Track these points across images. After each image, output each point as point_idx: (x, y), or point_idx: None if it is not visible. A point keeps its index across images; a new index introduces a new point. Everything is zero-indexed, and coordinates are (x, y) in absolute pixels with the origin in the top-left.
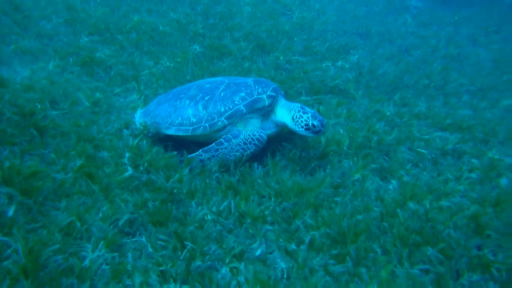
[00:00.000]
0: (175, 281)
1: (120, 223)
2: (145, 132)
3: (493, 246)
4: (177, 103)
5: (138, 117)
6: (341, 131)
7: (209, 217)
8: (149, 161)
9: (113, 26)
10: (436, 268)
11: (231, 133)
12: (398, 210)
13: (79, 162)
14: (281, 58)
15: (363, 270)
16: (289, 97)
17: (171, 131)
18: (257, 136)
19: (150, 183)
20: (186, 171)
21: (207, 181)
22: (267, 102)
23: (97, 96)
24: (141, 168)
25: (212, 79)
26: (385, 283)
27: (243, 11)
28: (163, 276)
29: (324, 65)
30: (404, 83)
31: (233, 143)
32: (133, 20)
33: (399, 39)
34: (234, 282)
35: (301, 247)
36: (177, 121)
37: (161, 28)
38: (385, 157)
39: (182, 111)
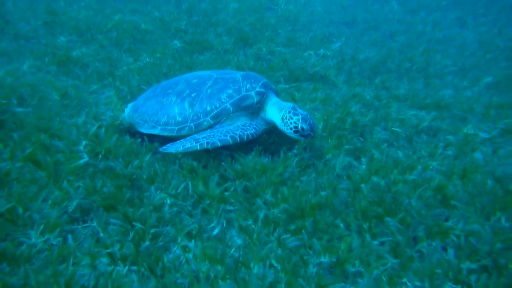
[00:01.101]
0: (124, 262)
1: (70, 209)
2: (117, 124)
3: (458, 215)
4: (164, 99)
5: (128, 112)
6: (317, 114)
7: (168, 200)
8: (108, 149)
9: (94, 26)
10: (395, 238)
11: (225, 123)
12: (363, 185)
13: (28, 151)
14: (264, 49)
15: (315, 241)
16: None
17: (156, 131)
18: (254, 125)
19: (108, 170)
20: (147, 157)
21: (169, 166)
22: (255, 99)
23: (69, 93)
24: (100, 155)
25: (201, 72)
26: (338, 252)
27: (229, 7)
28: (112, 259)
29: (306, 54)
30: (387, 67)
31: (231, 129)
32: (113, 20)
33: (384, 26)
34: (182, 259)
35: (258, 223)
36: (163, 120)
37: (143, 26)
38: (360, 138)
39: (168, 108)
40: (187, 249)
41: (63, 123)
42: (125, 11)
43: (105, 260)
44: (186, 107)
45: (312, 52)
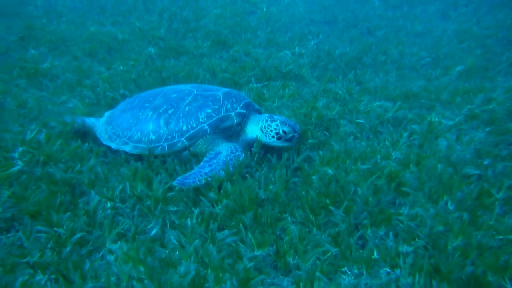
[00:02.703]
0: (43, 271)
1: None
2: (68, 129)
3: (410, 201)
4: (140, 113)
5: (103, 122)
6: (285, 111)
7: (109, 204)
8: (48, 154)
9: (69, 38)
10: (339, 227)
11: (211, 153)
12: (314, 177)
13: None
14: (240, 51)
15: (249, 235)
16: (238, 86)
17: (127, 148)
18: (238, 147)
19: (46, 176)
20: (91, 161)
21: (113, 169)
22: (235, 121)
23: (28, 103)
24: (39, 162)
25: (181, 86)
26: (277, 245)
27: (211, 13)
28: (33, 268)
29: (282, 53)
30: (362, 62)
31: (220, 159)
32: (89, 31)
33: (364, 22)
34: (103, 262)
35: (193, 220)
36: (135, 137)
37: (120, 36)
38: (325, 132)
39: (143, 124)
40: (111, 252)
41: (6, 131)
42: (106, 24)
43: (28, 270)
44: (161, 124)
45: (288, 51)
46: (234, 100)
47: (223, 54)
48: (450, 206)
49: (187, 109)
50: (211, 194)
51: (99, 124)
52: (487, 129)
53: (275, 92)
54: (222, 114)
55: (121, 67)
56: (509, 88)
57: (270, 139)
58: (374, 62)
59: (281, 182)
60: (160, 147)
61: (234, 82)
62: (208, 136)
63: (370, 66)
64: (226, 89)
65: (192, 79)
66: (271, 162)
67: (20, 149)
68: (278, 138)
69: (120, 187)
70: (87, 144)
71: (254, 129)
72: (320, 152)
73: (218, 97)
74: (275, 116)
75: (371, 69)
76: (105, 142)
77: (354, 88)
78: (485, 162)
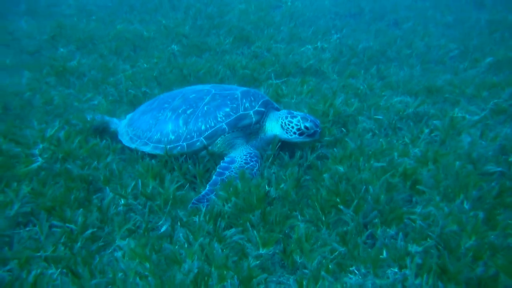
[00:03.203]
0: (56, 265)
1: (11, 213)
2: (88, 126)
3: (426, 200)
4: (160, 114)
5: (124, 124)
6: (303, 108)
7: (122, 200)
8: (67, 151)
9: (97, 37)
10: (349, 225)
11: (225, 160)
12: (325, 175)
13: None
14: (263, 47)
15: (255, 233)
16: (257, 82)
17: (148, 149)
18: (253, 153)
19: (64, 173)
20: (109, 158)
21: (127, 166)
22: (254, 119)
23: (54, 100)
24: (59, 158)
25: (200, 87)
26: (285, 243)
27: (235, 9)
28: (47, 262)
29: (303, 48)
30: (386, 56)
31: (234, 168)
32: (115, 29)
33: (391, 14)
34: (111, 258)
35: (200, 218)
36: (155, 137)
37: (145, 34)
38: (342, 128)
39: (162, 125)
40: (120, 249)
41: (29, 128)
42: (133, 21)
43: (43, 263)
44: (180, 124)
45: (310, 46)
46: (252, 99)
47: (244, 50)
48: (466, 205)
49: (205, 108)
50: (221, 193)
51: (121, 126)
52: None
53: (293, 88)
54: (241, 112)
55: (145, 65)
56: None
57: (291, 135)
58: (398, 56)
59: (292, 180)
60: (179, 147)
61: (254, 78)
62: (226, 135)
63: (395, 60)
64: (244, 88)
65: (212, 76)
66: (283, 160)
67: (41, 146)
68: (300, 134)
69: (133, 184)
70: (104, 141)
71: (274, 126)
72: (335, 150)
73: (236, 96)
74: (294, 112)
75: (395, 63)
76: (126, 144)
77: (375, 83)
78: (510, 159)
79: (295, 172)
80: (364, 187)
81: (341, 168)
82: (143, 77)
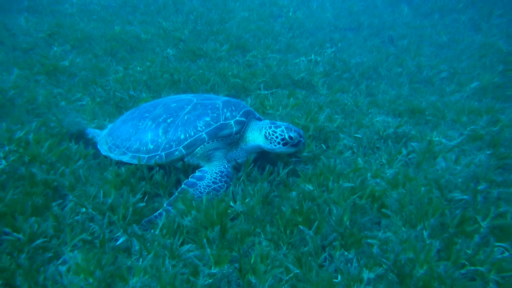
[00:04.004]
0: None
1: None
2: (65, 131)
3: (389, 224)
4: (140, 123)
5: (104, 134)
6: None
7: (84, 209)
8: (33, 155)
9: (95, 37)
10: (308, 247)
11: (194, 175)
12: (293, 193)
13: None
14: (258, 56)
15: (208, 251)
16: (247, 92)
17: (125, 158)
18: (225, 172)
19: (28, 177)
20: (78, 164)
21: (95, 173)
22: (234, 129)
23: (39, 99)
24: (25, 161)
25: (182, 96)
26: (240, 262)
27: (237, 16)
28: None
29: (298, 60)
30: (378, 73)
31: (200, 186)
32: (113, 30)
33: (389, 31)
34: (63, 269)
35: (156, 232)
36: (134, 147)
37: (143, 36)
38: (322, 144)
39: (142, 134)
40: (65, 262)
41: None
42: (134, 23)
43: None
44: (159, 133)
45: (304, 58)
46: (233, 108)
47: (240, 58)
48: (425, 232)
49: (186, 118)
50: (180, 205)
51: (101, 135)
52: (488, 152)
53: (280, 100)
54: (221, 122)
55: (138, 68)
56: None
57: (275, 145)
58: (389, 74)
59: (259, 196)
60: (157, 156)
61: (244, 88)
62: (206, 145)
63: (385, 78)
64: (226, 98)
65: (203, 83)
66: (253, 175)
67: (7, 148)
68: (285, 144)
69: (94, 193)
70: (76, 146)
71: (256, 136)
72: (307, 167)
73: (217, 105)
74: (278, 122)
75: (386, 80)
76: (104, 153)
77: (363, 100)
78: (480, 187)
79: (264, 187)
80: (327, 208)
81: (310, 187)
82: (133, 80)
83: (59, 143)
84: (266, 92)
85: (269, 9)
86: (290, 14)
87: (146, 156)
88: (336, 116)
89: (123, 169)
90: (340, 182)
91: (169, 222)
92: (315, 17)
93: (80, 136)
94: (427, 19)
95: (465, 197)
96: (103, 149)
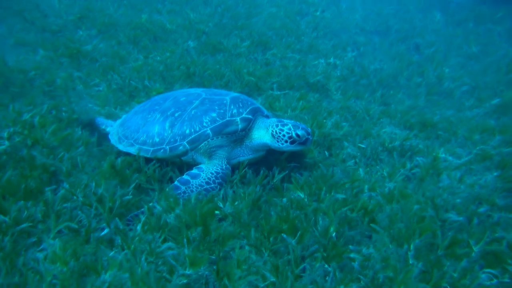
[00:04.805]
0: None
1: None
2: (74, 117)
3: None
4: (149, 116)
5: (117, 124)
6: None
7: (75, 197)
8: (36, 138)
9: (121, 23)
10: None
11: (190, 173)
12: (284, 199)
13: None
14: (278, 55)
15: (185, 251)
16: (261, 91)
17: (132, 150)
18: (221, 174)
19: (28, 160)
20: (79, 150)
21: (92, 161)
22: (240, 126)
23: (57, 82)
24: (28, 144)
25: (192, 90)
26: (218, 265)
27: (264, 12)
28: None
29: (316, 62)
30: (397, 81)
31: (192, 185)
32: (140, 18)
33: (417, 37)
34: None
35: (137, 227)
36: (141, 139)
37: (168, 26)
38: (326, 152)
39: (149, 126)
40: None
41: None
42: (162, 11)
43: None
44: (166, 127)
45: (322, 61)
46: (240, 105)
47: (259, 55)
48: (409, 252)
49: (193, 112)
50: (163, 202)
51: (114, 126)
52: (495, 173)
53: (290, 102)
54: (227, 119)
55: (158, 57)
56: None
57: (282, 144)
58: (408, 83)
59: (249, 199)
60: (162, 150)
61: (257, 87)
62: (210, 141)
63: (404, 87)
64: (235, 94)
65: (217, 79)
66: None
67: (12, 129)
68: (292, 142)
69: (86, 182)
70: (80, 132)
71: (263, 135)
72: (302, 174)
73: (225, 101)
74: (285, 120)
75: (404, 90)
76: (114, 144)
77: (375, 109)
78: (480, 210)
79: (256, 191)
80: (313, 218)
81: (301, 195)
82: (150, 70)
83: (64, 128)
84: (279, 93)
85: (297, 6)
86: (318, 13)
87: (151, 149)
88: (344, 124)
89: (119, 160)
90: (333, 193)
91: (151, 219)
92: (343, 18)
93: (90, 124)
94: (460, 27)
95: (459, 218)
96: (114, 139)
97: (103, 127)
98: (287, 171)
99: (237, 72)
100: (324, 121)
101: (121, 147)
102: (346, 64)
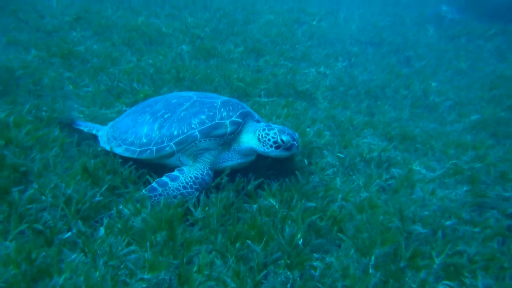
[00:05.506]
0: None
1: None
2: (55, 116)
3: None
4: (139, 117)
5: (108, 126)
6: None
7: (44, 197)
8: (8, 138)
9: (118, 25)
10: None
11: (170, 174)
12: (255, 205)
13: None
14: (271, 62)
15: (146, 255)
16: (247, 97)
17: (119, 150)
18: (200, 180)
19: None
20: (53, 151)
21: (66, 162)
22: (229, 130)
23: (44, 81)
24: (1, 143)
25: (183, 93)
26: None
27: (261, 19)
28: None
29: (307, 70)
30: (384, 93)
31: (169, 187)
32: (136, 21)
33: (409, 50)
34: None
35: (100, 230)
36: (129, 139)
37: (164, 30)
38: (305, 159)
39: (139, 128)
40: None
41: None
42: (160, 15)
43: None
44: (155, 128)
45: (313, 69)
46: (231, 108)
47: (252, 62)
48: (370, 262)
49: (182, 114)
50: (130, 205)
51: (105, 128)
52: (465, 188)
53: (275, 109)
54: (216, 121)
55: (150, 60)
56: (509, 151)
57: (268, 148)
58: (395, 95)
59: (221, 205)
60: (148, 151)
61: (246, 93)
62: (198, 143)
63: (391, 99)
64: (226, 98)
65: (207, 83)
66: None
67: None
68: (277, 147)
69: (55, 183)
70: (56, 133)
71: (250, 139)
72: (274, 184)
73: (215, 104)
74: (272, 125)
75: (391, 101)
76: (102, 145)
77: (359, 119)
78: (447, 223)
79: (229, 197)
80: (280, 225)
81: (272, 201)
82: (141, 72)
83: (42, 128)
84: (266, 100)
85: (296, 14)
86: (314, 22)
87: (138, 149)
88: (326, 133)
89: (92, 161)
90: (303, 201)
91: (117, 221)
92: (339, 28)
93: (71, 124)
94: (452, 43)
95: (424, 231)
96: (102, 141)
97: (86, 129)
98: (262, 179)
99: (227, 78)
100: (308, 129)
101: (108, 148)
102: (336, 74)
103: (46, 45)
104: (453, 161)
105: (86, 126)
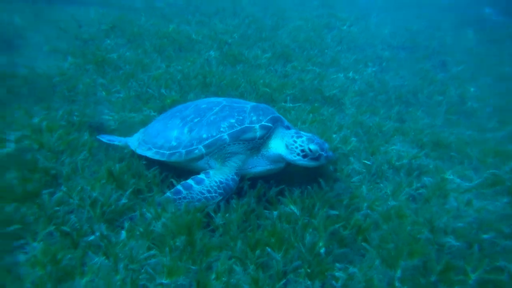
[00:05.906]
0: None
1: None
2: (85, 120)
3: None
4: (169, 122)
5: (140, 132)
6: None
7: (71, 200)
8: (41, 142)
9: (150, 33)
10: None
11: (195, 177)
12: (275, 212)
13: None
14: (299, 67)
15: (164, 260)
16: (273, 103)
17: (149, 153)
18: (224, 184)
19: (31, 163)
20: (81, 155)
21: (93, 166)
22: (258, 134)
23: (79, 88)
24: (35, 148)
25: (213, 99)
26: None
27: (290, 24)
28: None
29: (335, 76)
30: (416, 98)
31: (194, 191)
32: (167, 28)
33: (446, 55)
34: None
35: (122, 233)
36: (159, 143)
37: (193, 36)
38: (331, 166)
39: (169, 131)
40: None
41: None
42: (191, 22)
43: None
44: (184, 131)
45: (341, 75)
46: (261, 113)
47: (279, 67)
48: (396, 275)
49: (212, 118)
50: (152, 210)
51: (137, 134)
52: (505, 200)
53: (300, 115)
54: (245, 125)
55: (179, 67)
56: None
57: (295, 156)
58: (429, 101)
59: (241, 211)
60: (177, 153)
61: (272, 99)
62: (226, 147)
63: (424, 105)
64: (255, 103)
65: (233, 89)
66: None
67: (20, 133)
68: (304, 156)
69: (80, 186)
70: (86, 137)
71: (279, 145)
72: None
73: (245, 109)
74: (302, 133)
75: (424, 107)
76: (133, 148)
77: (389, 125)
78: (485, 236)
79: (250, 203)
80: (301, 233)
81: (293, 208)
82: (169, 78)
83: (73, 132)
84: (292, 105)
85: (326, 20)
86: (344, 27)
87: (168, 152)
88: (352, 139)
89: (117, 165)
90: (326, 209)
91: (138, 225)
92: (370, 33)
93: (100, 128)
94: (495, 46)
95: (457, 243)
96: (133, 145)
97: (111, 142)
98: (284, 185)
99: (253, 83)
100: (334, 135)
101: (139, 151)
102: (366, 79)
103: (82, 53)
104: (492, 171)
105: (110, 140)
